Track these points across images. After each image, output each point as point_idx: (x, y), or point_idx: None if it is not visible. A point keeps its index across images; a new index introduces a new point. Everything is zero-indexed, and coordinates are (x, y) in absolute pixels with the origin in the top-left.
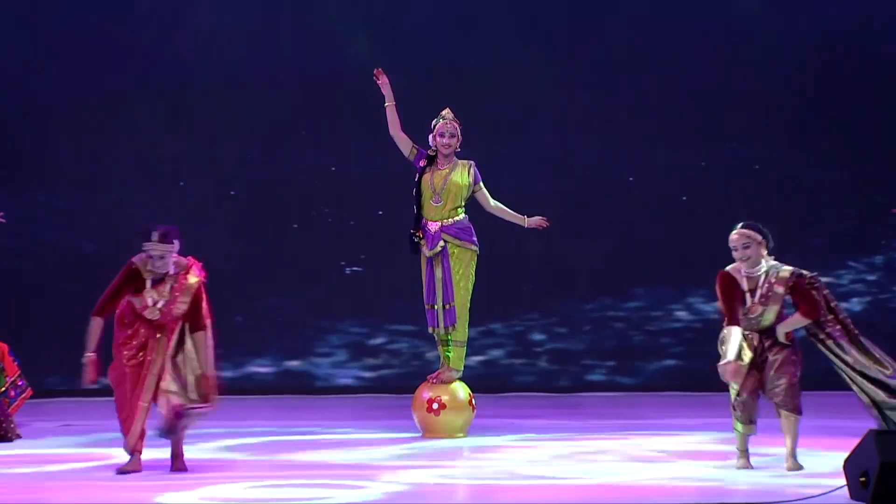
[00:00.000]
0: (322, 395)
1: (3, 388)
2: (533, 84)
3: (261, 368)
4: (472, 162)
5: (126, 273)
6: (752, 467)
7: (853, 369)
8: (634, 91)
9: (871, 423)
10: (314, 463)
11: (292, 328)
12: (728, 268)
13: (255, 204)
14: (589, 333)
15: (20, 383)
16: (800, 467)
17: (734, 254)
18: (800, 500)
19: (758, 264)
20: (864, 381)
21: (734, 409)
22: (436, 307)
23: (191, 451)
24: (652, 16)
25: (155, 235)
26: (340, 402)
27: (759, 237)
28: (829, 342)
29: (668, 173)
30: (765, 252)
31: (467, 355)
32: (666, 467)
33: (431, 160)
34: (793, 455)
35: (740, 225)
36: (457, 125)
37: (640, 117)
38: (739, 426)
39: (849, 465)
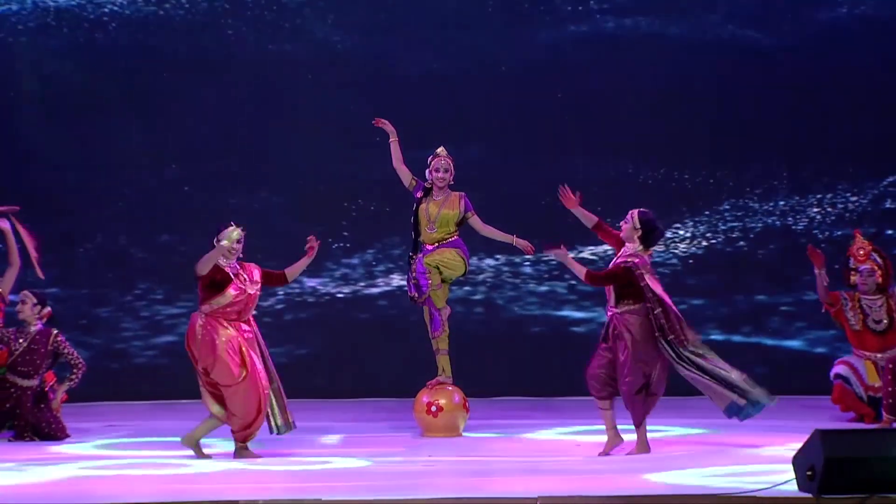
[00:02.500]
0: (329, 398)
1: (46, 390)
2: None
3: None
4: (462, 193)
5: None
6: (622, 440)
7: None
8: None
9: (817, 424)
10: (339, 448)
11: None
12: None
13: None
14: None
15: (56, 388)
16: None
17: None
18: (753, 492)
19: (630, 241)
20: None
21: (588, 385)
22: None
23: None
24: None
25: None
26: (349, 404)
27: (637, 227)
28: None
29: None
30: (636, 238)
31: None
32: (629, 461)
33: (428, 191)
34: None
35: (640, 210)
36: (450, 161)
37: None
38: (599, 403)
39: (797, 461)
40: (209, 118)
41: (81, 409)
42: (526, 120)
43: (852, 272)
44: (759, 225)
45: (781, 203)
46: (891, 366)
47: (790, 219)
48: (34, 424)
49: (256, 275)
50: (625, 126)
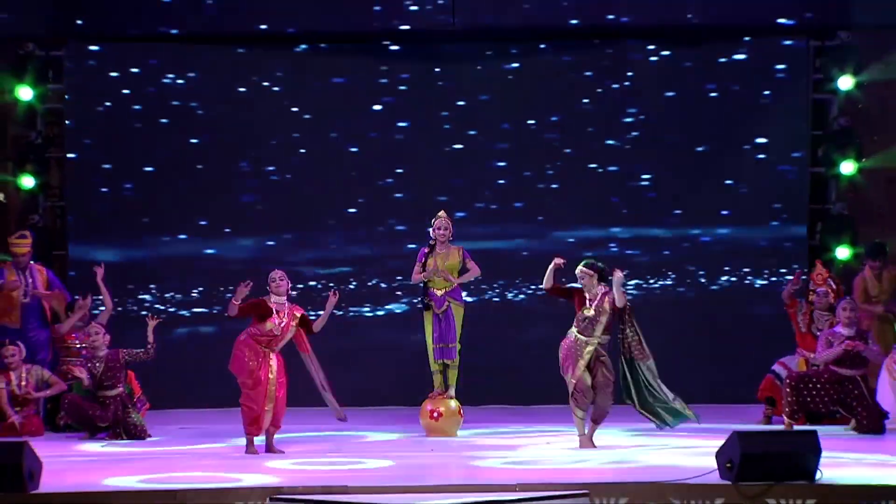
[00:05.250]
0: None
1: (134, 401)
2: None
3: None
4: (461, 246)
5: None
6: (594, 446)
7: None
8: None
9: (736, 426)
10: (359, 446)
11: None
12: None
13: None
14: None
15: (143, 398)
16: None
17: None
18: (683, 480)
19: (593, 289)
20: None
21: (574, 399)
22: (441, 346)
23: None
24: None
25: None
26: (367, 411)
27: (592, 272)
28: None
29: None
30: (596, 282)
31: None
32: (589, 456)
33: (432, 248)
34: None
35: (583, 263)
36: (449, 222)
37: None
38: (579, 413)
39: (719, 455)
40: (243, 191)
41: (160, 414)
42: (526, 186)
43: (811, 292)
44: (732, 279)
45: (759, 257)
46: (788, 380)
47: (757, 275)
48: (125, 426)
49: (298, 312)
50: (605, 189)
